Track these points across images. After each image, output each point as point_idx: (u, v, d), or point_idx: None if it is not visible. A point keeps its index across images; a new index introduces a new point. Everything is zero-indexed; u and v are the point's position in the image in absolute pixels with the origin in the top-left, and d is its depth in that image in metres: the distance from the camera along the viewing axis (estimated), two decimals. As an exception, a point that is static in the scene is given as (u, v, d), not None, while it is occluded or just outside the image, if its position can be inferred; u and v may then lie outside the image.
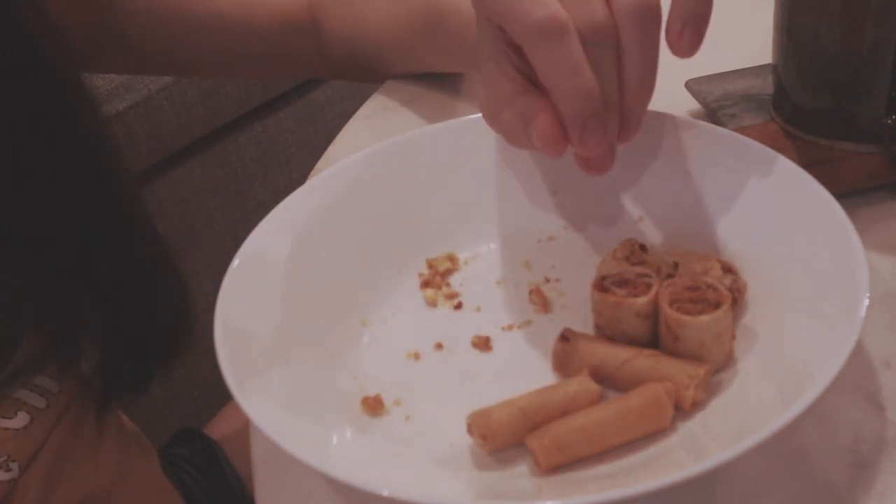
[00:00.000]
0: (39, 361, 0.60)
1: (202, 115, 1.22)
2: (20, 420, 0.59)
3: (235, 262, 0.53)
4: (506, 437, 0.47)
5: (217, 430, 0.89)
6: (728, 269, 0.52)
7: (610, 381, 0.49)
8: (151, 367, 0.66)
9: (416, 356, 0.54)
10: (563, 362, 0.51)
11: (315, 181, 0.58)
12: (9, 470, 0.58)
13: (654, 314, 0.50)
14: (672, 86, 0.65)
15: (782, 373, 0.47)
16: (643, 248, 0.54)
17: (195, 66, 0.77)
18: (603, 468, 0.46)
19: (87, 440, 0.66)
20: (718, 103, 0.66)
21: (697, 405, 0.48)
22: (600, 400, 0.48)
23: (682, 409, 0.47)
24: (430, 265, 0.59)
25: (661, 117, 0.57)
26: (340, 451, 0.48)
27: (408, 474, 0.48)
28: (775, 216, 0.53)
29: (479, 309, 0.57)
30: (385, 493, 0.42)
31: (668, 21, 0.48)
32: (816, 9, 0.57)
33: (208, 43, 0.73)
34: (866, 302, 0.45)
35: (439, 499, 0.45)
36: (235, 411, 0.89)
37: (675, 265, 0.53)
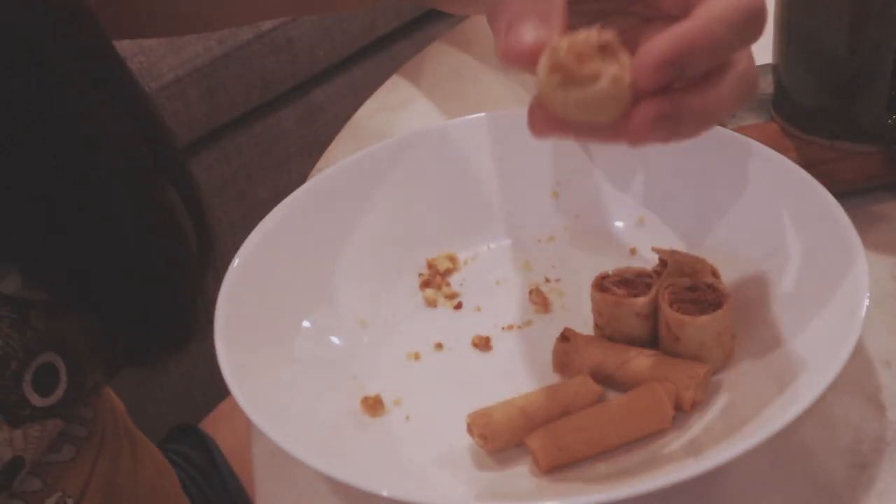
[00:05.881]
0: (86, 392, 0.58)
1: (202, 114, 1.22)
2: (67, 452, 0.57)
3: (235, 262, 0.53)
4: (506, 437, 0.47)
5: (212, 425, 0.88)
6: (714, 275, 0.52)
7: (610, 381, 0.49)
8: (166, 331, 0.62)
9: (416, 356, 0.54)
10: (564, 362, 0.51)
11: (315, 181, 0.58)
12: None
13: (653, 314, 0.50)
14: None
15: (782, 373, 0.47)
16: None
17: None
18: (603, 468, 0.46)
19: (126, 468, 0.65)
20: (718, 103, 0.66)
21: (697, 405, 0.48)
22: (600, 400, 0.48)
23: (683, 410, 0.47)
24: (430, 265, 0.58)
25: None
26: (340, 451, 0.48)
27: (408, 474, 0.48)
28: (775, 216, 0.53)
29: (479, 309, 0.56)
30: (385, 493, 0.42)
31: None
32: (817, 8, 0.57)
33: None
34: (866, 302, 0.45)
35: (439, 499, 0.45)
36: (231, 407, 0.88)
37: (664, 262, 0.52)
